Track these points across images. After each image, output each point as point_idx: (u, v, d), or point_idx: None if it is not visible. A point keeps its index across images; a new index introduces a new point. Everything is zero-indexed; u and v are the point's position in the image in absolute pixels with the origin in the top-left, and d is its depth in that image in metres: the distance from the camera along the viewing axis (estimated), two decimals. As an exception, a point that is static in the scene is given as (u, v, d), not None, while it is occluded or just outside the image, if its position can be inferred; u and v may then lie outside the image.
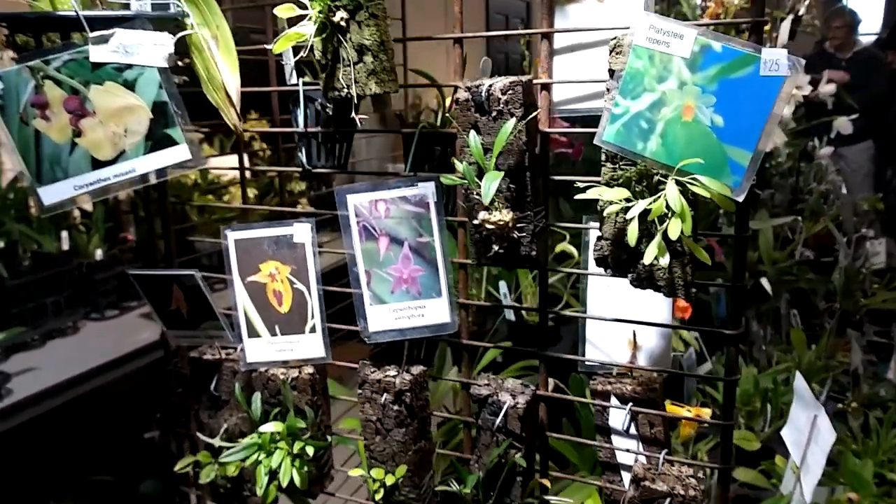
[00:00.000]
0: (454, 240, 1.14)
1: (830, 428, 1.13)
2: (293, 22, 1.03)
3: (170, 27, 1.12)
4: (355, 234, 1.09)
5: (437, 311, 1.08)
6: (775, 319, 2.75)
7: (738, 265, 0.96)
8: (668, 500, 0.90)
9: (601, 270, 0.94)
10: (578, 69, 1.03)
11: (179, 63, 1.18)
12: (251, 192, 2.35)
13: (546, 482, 0.97)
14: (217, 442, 1.12)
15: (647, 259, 0.86)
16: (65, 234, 2.36)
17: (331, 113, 1.19)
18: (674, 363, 1.74)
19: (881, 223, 3.68)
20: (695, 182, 0.85)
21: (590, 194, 0.92)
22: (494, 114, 0.95)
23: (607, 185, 0.92)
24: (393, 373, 1.07)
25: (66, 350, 2.22)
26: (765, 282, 2.76)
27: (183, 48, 1.15)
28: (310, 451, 1.09)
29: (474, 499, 1.02)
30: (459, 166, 0.96)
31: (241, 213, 1.40)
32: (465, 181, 0.96)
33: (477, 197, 0.96)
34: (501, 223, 0.96)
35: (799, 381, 1.23)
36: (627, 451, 1.01)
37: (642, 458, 0.98)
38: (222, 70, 1.18)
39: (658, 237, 0.86)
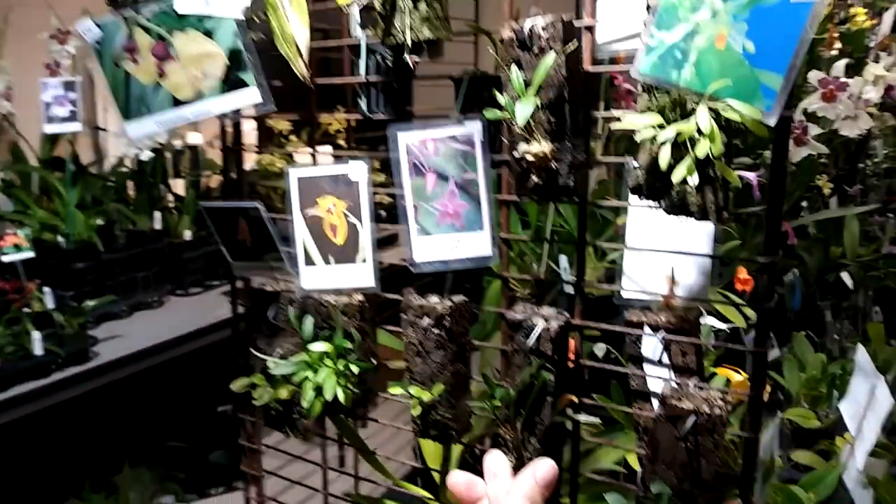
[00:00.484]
0: (498, 177, 1.20)
1: (889, 396, 1.12)
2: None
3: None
4: (405, 170, 1.16)
5: (479, 244, 1.14)
6: (854, 315, 2.67)
7: (773, 206, 0.97)
8: (692, 417, 0.93)
9: (639, 201, 0.98)
10: (624, 9, 1.08)
11: (256, 20, 1.29)
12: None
13: (574, 398, 1.01)
14: (270, 361, 1.21)
15: (676, 178, 0.89)
16: (158, 214, 2.56)
17: (390, 63, 1.27)
18: (735, 339, 1.74)
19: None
20: (727, 107, 0.88)
21: (624, 123, 0.96)
22: (536, 50, 1.01)
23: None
24: (435, 300, 1.14)
25: (150, 321, 2.40)
26: (846, 276, 2.67)
27: (260, 7, 1.26)
28: (354, 369, 1.16)
29: (505, 416, 1.07)
30: (502, 100, 1.02)
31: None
32: (507, 114, 1.02)
33: (518, 130, 1.02)
34: (541, 154, 1.02)
35: (861, 354, 1.22)
36: (659, 378, 1.04)
37: (673, 384, 1.01)
38: (293, 24, 1.28)
39: (688, 158, 0.90)
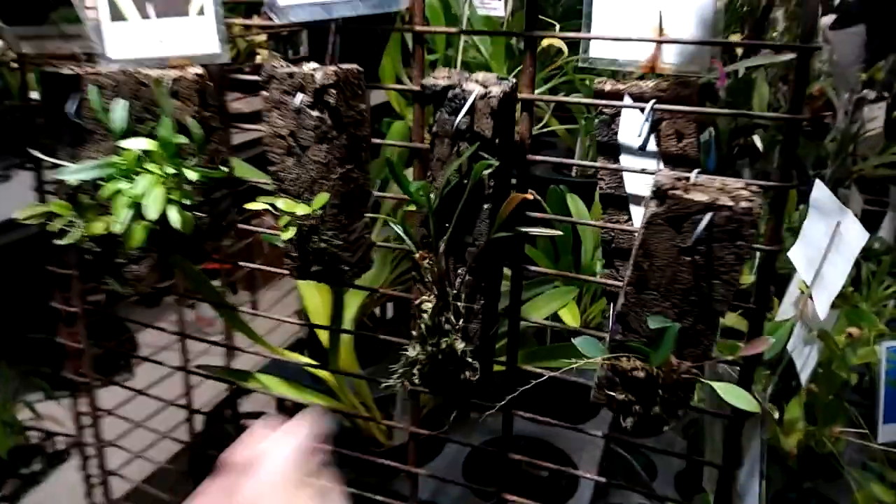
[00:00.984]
0: None
1: (861, 230, 0.84)
2: None
3: None
4: None
5: (378, -18, 0.75)
6: (767, 178, 2.51)
7: None
8: (708, 213, 0.61)
9: None
10: None
11: None
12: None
13: (529, 195, 0.68)
14: (66, 169, 0.79)
15: None
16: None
17: None
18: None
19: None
20: None
21: None
22: None
23: None
24: (312, 66, 0.74)
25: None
26: (757, 139, 2.52)
27: None
28: (191, 176, 0.77)
29: (423, 237, 0.73)
30: None
31: None
32: None
33: None
34: None
35: (819, 190, 0.93)
36: (643, 171, 0.72)
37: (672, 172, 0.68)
38: None
39: None
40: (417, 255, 0.72)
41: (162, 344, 1.40)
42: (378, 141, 0.85)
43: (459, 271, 0.74)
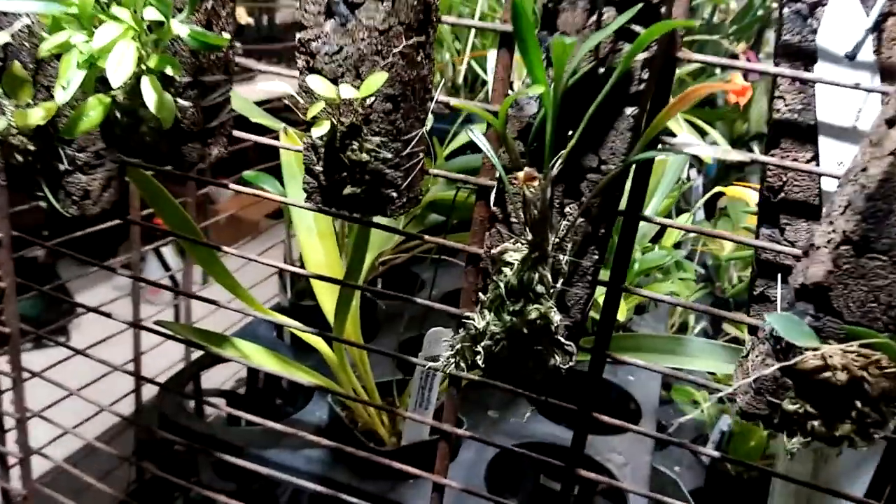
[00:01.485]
0: None
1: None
2: None
3: None
4: None
5: None
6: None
7: None
8: None
9: None
10: None
11: None
12: None
13: (715, 86, 0.45)
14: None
15: None
16: None
17: None
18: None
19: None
20: None
21: None
22: None
23: None
24: None
25: None
26: (755, 147, 2.42)
27: None
28: (180, 31, 0.51)
29: (521, 157, 0.49)
30: None
31: None
32: None
33: None
34: None
35: None
36: (857, 86, 0.49)
37: None
38: None
39: None
40: (522, 176, 0.48)
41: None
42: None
43: (569, 209, 0.51)
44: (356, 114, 0.51)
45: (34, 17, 0.62)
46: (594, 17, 0.46)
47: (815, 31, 0.51)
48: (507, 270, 0.52)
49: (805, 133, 0.52)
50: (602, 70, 0.46)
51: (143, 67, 0.52)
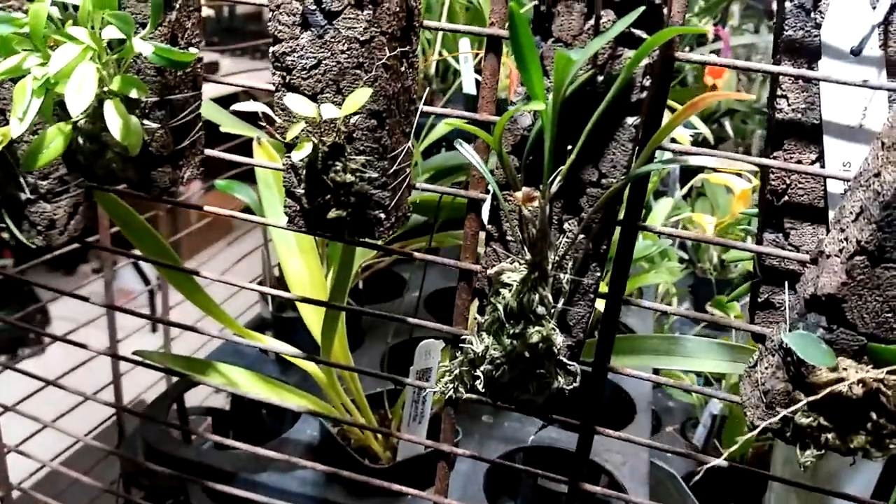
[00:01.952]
0: None
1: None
2: None
3: None
4: None
5: None
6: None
7: None
8: None
9: None
10: None
11: None
12: None
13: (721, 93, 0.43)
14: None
15: None
16: None
17: None
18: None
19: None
20: None
21: None
22: None
23: None
24: None
25: None
26: (727, 123, 2.44)
27: None
28: (143, 49, 0.48)
29: (510, 171, 0.46)
30: None
31: None
32: None
33: None
34: None
35: None
36: (864, 83, 0.47)
37: None
38: None
39: None
40: (520, 196, 0.45)
41: (81, 319, 1.09)
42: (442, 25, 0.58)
43: (568, 225, 0.48)
44: (339, 132, 0.48)
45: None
46: (591, 21, 0.43)
47: (818, 26, 0.48)
48: (505, 292, 0.49)
49: (809, 133, 0.50)
50: (601, 78, 0.44)
51: (106, 90, 0.49)
